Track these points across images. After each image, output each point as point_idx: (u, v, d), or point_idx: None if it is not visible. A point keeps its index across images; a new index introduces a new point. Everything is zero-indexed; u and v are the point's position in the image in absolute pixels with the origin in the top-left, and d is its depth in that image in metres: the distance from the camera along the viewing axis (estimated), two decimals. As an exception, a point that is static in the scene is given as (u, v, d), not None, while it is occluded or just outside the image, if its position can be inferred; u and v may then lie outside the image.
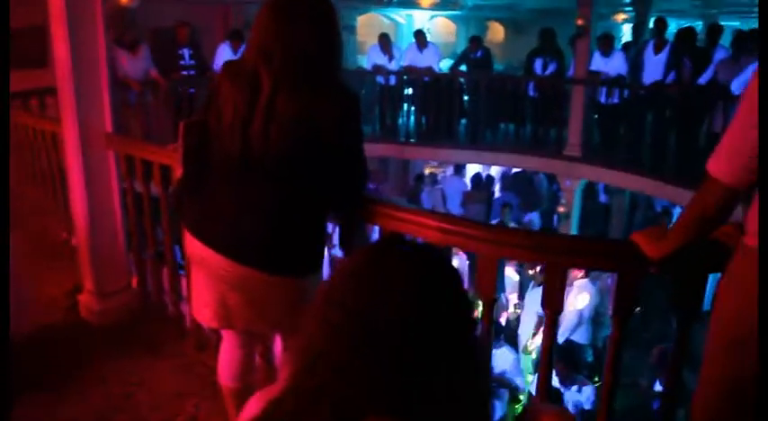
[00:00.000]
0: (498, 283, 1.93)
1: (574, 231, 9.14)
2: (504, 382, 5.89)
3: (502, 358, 5.90)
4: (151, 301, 3.53)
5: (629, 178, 8.30)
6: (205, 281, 2.06)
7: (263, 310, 2.03)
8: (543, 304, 1.89)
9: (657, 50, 8.01)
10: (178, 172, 2.13)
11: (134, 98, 7.16)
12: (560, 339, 6.85)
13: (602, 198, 10.95)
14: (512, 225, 9.04)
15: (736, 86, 6.58)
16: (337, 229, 2.31)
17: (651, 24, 8.88)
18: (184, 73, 7.69)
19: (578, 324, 6.72)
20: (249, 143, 1.90)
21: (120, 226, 3.52)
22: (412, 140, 9.91)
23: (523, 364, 6.39)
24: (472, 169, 12.27)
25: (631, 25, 11.00)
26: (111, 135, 3.34)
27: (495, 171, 12.67)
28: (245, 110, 1.90)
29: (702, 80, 7.56)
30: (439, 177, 13.60)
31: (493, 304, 1.99)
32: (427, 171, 13.38)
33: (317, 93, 1.89)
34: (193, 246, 2.02)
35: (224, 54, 7.99)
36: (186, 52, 7.69)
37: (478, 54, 9.79)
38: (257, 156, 1.89)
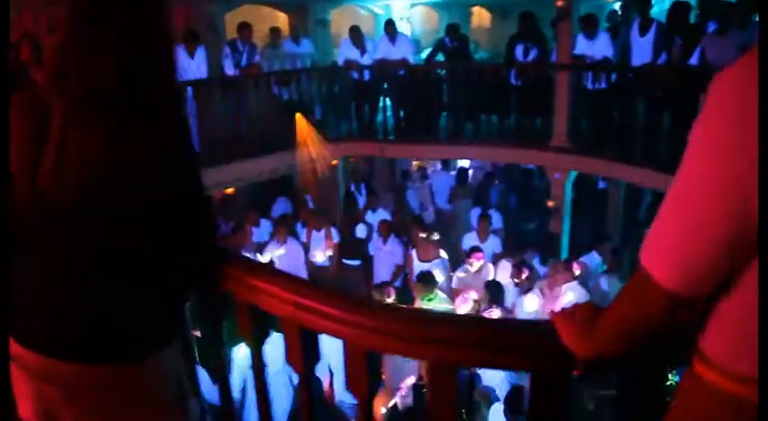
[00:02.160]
0: (373, 377, 1.42)
1: (566, 227, 8.59)
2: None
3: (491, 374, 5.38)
4: None
5: (620, 168, 7.74)
6: (22, 377, 1.55)
7: (98, 414, 1.52)
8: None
9: (643, 31, 7.42)
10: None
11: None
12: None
13: (601, 184, 10.34)
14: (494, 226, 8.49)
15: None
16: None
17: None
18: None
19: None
20: (41, 196, 1.39)
21: None
22: (391, 138, 9.37)
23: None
24: (461, 162, 11.72)
25: (620, 4, 10.34)
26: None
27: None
28: (31, 153, 1.39)
29: (693, 60, 6.96)
30: (429, 171, 13.08)
31: (369, 403, 1.47)
32: (415, 166, 12.84)
33: (127, 124, 1.38)
34: None
35: (178, 58, 7.46)
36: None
37: (456, 43, 9.19)
38: (54, 213, 1.39)
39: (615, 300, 1.03)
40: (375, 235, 8.17)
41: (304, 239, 8.28)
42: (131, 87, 1.39)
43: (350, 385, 1.45)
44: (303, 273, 7.92)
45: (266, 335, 1.74)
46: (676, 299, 0.90)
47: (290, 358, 1.58)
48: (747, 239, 0.83)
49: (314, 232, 8.16)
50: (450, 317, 1.35)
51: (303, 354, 1.55)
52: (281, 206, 9.73)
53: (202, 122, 7.70)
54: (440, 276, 7.13)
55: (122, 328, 1.48)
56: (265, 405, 1.79)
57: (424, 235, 7.50)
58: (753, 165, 0.79)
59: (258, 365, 1.75)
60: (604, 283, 6.83)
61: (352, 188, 9.84)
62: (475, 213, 8.46)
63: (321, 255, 8.14)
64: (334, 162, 10.42)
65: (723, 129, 0.83)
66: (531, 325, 1.33)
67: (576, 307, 1.20)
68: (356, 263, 8.31)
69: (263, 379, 1.76)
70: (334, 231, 8.20)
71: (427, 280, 6.32)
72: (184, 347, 1.88)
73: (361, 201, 9.91)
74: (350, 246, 8.32)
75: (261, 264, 1.66)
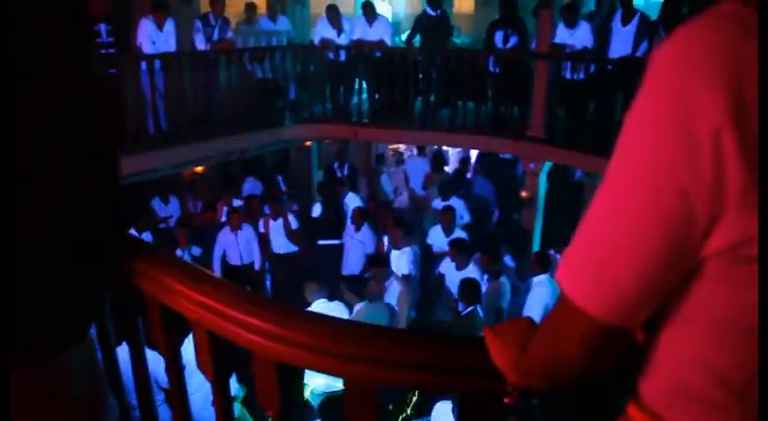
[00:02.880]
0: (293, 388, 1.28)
1: (539, 219, 8.49)
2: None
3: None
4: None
5: (597, 161, 7.64)
6: None
7: None
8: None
9: (625, 22, 7.29)
10: None
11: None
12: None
13: (578, 174, 10.20)
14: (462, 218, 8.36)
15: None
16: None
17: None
18: (102, 51, 6.89)
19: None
20: None
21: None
22: (365, 120, 9.19)
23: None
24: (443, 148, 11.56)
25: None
26: None
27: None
28: None
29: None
30: (405, 156, 12.94)
31: (283, 417, 1.33)
32: (392, 149, 12.68)
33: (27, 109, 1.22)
34: None
35: (146, 30, 7.20)
36: (103, 28, 6.88)
37: (438, 12, 8.94)
38: None
39: (538, 328, 0.88)
40: (348, 221, 7.99)
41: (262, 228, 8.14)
42: (34, 59, 1.22)
43: (260, 399, 1.31)
44: (258, 261, 7.77)
45: (182, 336, 1.58)
46: (604, 328, 0.73)
47: (200, 365, 1.43)
48: (688, 251, 0.67)
49: (271, 222, 7.94)
50: (369, 332, 1.20)
51: (214, 360, 1.40)
52: (250, 186, 9.54)
53: (170, 98, 7.47)
54: (407, 266, 7.00)
55: (27, 324, 1.33)
56: (182, 412, 1.64)
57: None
58: (692, 157, 0.63)
59: (174, 370, 1.59)
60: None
61: (335, 166, 9.66)
62: (437, 204, 8.31)
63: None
64: (308, 143, 10.24)
65: (658, 107, 0.66)
66: (461, 343, 1.18)
67: (510, 322, 1.06)
68: (335, 242, 8.17)
69: (180, 385, 1.61)
70: (292, 219, 7.99)
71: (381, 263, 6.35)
72: (103, 340, 1.73)
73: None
74: (329, 226, 8.17)
75: (171, 258, 1.51)
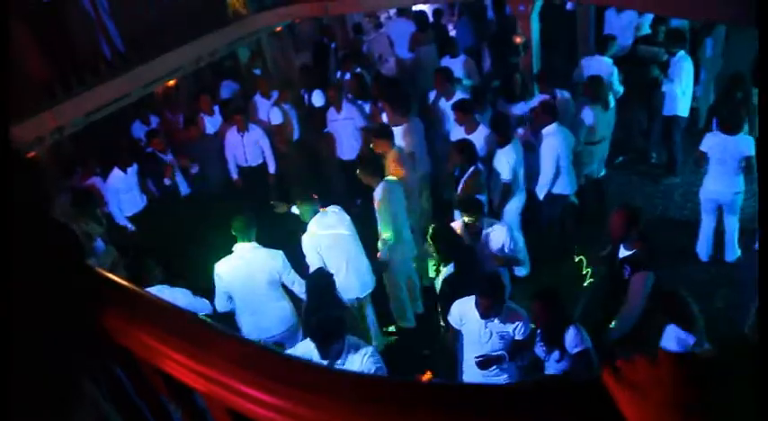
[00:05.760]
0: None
1: (535, 64, 7.93)
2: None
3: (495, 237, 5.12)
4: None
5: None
6: None
7: None
8: None
9: None
10: None
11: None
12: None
13: (569, 5, 9.42)
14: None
15: None
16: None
17: None
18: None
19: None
20: None
21: None
22: (333, -8, 8.45)
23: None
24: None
25: None
26: None
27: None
28: None
29: None
30: (383, 19, 12.17)
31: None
32: (367, 16, 11.87)
33: None
34: None
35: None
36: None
37: None
38: None
39: None
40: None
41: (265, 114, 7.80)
42: None
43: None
44: (272, 163, 7.52)
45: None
46: None
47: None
48: None
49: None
50: (435, 407, 0.88)
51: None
52: (228, 89, 9.01)
53: (120, 15, 6.80)
54: (410, 141, 6.61)
55: None
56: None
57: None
58: None
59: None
60: (587, 116, 6.30)
61: (324, 40, 9.12)
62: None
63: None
64: (278, 29, 9.52)
65: None
66: (573, 403, 0.84)
67: (642, 367, 0.75)
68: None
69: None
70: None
71: (384, 133, 6.06)
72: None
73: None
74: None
75: (152, 306, 1.18)
